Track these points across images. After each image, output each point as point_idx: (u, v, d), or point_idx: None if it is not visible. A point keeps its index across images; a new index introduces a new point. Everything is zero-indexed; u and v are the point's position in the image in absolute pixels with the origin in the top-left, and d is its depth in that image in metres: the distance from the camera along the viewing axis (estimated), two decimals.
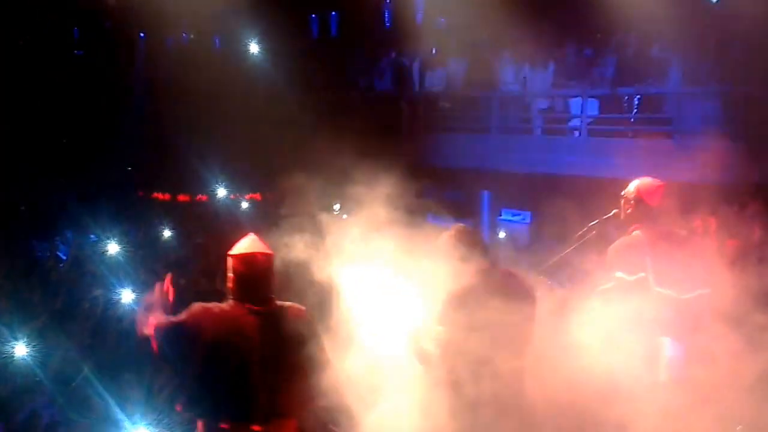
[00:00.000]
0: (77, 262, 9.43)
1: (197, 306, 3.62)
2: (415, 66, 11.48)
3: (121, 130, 15.07)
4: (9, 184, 12.10)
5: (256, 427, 3.52)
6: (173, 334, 3.58)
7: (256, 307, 3.60)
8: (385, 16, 13.72)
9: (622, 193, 4.56)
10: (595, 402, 4.07)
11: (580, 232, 4.77)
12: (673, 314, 4.20)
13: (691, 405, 3.86)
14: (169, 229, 10.35)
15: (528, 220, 9.25)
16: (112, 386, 6.17)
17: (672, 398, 3.96)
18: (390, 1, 13.45)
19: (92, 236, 10.00)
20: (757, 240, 5.10)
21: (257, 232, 3.87)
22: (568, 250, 4.86)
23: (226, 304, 3.66)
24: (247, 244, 3.71)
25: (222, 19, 13.50)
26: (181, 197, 13.13)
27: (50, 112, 14.61)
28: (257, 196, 11.58)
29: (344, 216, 4.94)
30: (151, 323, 3.67)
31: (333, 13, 14.86)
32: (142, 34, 15.53)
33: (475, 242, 3.97)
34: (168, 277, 3.88)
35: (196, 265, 9.04)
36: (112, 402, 5.70)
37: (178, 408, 3.69)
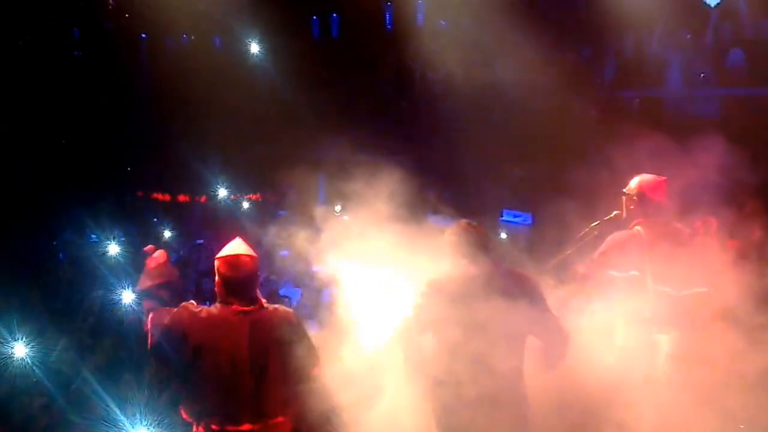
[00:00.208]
0: (77, 262, 9.42)
1: (183, 309, 3.69)
2: (417, 67, 11.49)
3: (121, 130, 15.05)
4: (8, 185, 12.09)
5: (246, 427, 3.57)
6: (160, 337, 3.64)
7: (242, 308, 3.66)
8: (386, 18, 13.71)
9: (624, 190, 4.56)
10: (595, 401, 4.07)
11: (581, 233, 4.77)
12: (671, 312, 4.20)
13: (693, 404, 3.85)
14: (169, 230, 10.35)
15: (529, 221, 9.25)
16: (112, 387, 6.16)
17: (673, 397, 3.95)
18: (391, 3, 13.44)
19: (92, 236, 10.00)
20: (757, 240, 5.09)
21: (249, 234, 3.91)
22: (570, 251, 4.86)
23: (213, 307, 3.72)
24: (232, 247, 3.79)
25: (222, 21, 13.50)
26: (182, 198, 13.12)
27: (50, 113, 14.60)
28: (258, 196, 11.58)
29: (345, 217, 4.95)
30: (151, 318, 3.71)
31: (334, 14, 14.85)
32: (144, 35, 15.53)
33: (480, 239, 3.97)
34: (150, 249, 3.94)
35: (197, 265, 9.04)
36: (111, 403, 5.69)
37: (182, 413, 3.69)
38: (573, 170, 6.38)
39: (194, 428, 3.68)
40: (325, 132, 10.39)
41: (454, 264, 4.01)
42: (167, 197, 13.27)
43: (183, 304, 3.75)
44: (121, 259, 8.35)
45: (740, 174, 5.07)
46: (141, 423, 5.24)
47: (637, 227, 4.39)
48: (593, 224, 4.73)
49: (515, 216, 9.39)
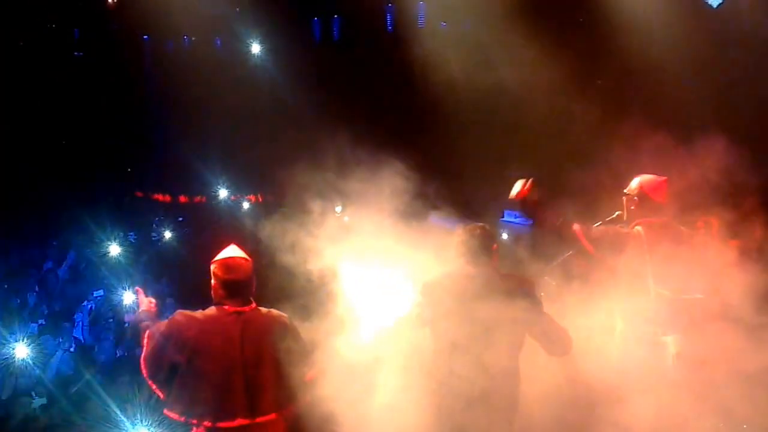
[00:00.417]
0: (77, 263, 9.42)
1: (179, 313, 3.84)
2: (417, 69, 11.47)
3: (122, 130, 15.05)
4: (9, 185, 12.09)
5: (238, 423, 3.65)
6: (158, 341, 3.76)
7: (236, 309, 3.79)
8: (387, 20, 13.72)
9: (625, 191, 4.55)
10: (594, 401, 4.07)
11: None
12: (673, 313, 4.19)
13: (696, 404, 3.85)
14: (170, 231, 10.34)
15: (530, 222, 9.23)
16: (112, 388, 6.16)
17: (676, 397, 3.94)
18: (392, 5, 13.45)
19: (92, 237, 9.99)
20: (758, 240, 5.08)
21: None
22: (570, 252, 4.85)
23: (209, 309, 3.85)
24: (227, 252, 3.96)
25: (223, 22, 13.50)
26: (182, 198, 13.12)
27: (50, 113, 14.60)
28: (258, 197, 11.57)
29: (346, 218, 4.95)
30: (145, 332, 3.85)
31: (335, 16, 14.85)
32: (145, 36, 15.52)
33: (483, 242, 3.99)
34: (139, 291, 4.19)
35: (198, 266, 9.02)
36: (112, 403, 5.69)
37: (166, 413, 3.75)
38: (574, 171, 6.38)
39: (189, 427, 3.75)
40: (325, 133, 10.38)
41: (454, 264, 4.03)
42: (167, 198, 13.27)
43: (178, 310, 3.89)
44: (122, 261, 8.36)
45: (741, 174, 5.06)
46: (141, 423, 5.24)
47: (638, 227, 4.38)
48: (595, 225, 4.72)
49: (516, 216, 9.37)
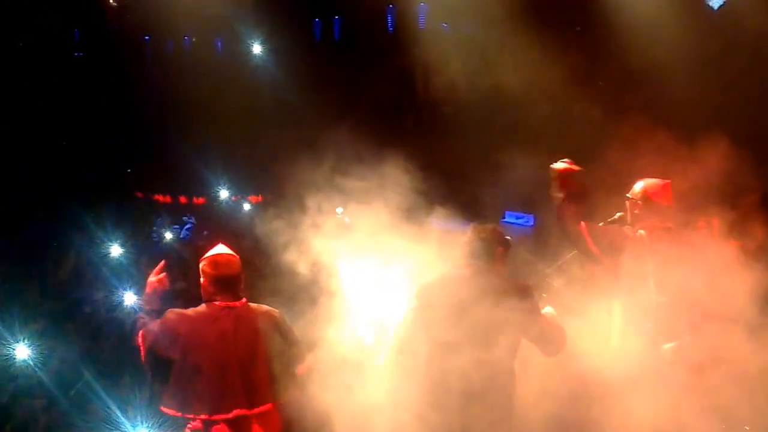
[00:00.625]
0: (78, 264, 9.41)
1: (170, 311, 3.90)
2: (419, 70, 11.48)
3: (122, 131, 15.05)
4: (8, 186, 12.08)
5: (234, 414, 3.71)
6: (153, 342, 3.81)
7: (227, 304, 3.88)
8: (388, 21, 13.71)
9: (628, 195, 4.53)
10: (600, 405, 4.06)
11: None
12: (673, 320, 4.18)
13: (697, 406, 3.85)
14: (171, 232, 10.34)
15: (531, 223, 9.24)
16: (114, 389, 6.16)
17: (677, 399, 3.94)
18: (393, 6, 13.44)
19: (93, 238, 9.99)
20: (760, 241, 5.07)
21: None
22: (572, 254, 4.84)
23: (200, 306, 3.93)
24: (215, 249, 4.07)
25: (224, 23, 13.50)
26: (183, 199, 13.12)
27: (51, 113, 14.60)
28: (259, 198, 11.57)
29: (347, 219, 4.95)
30: (141, 334, 3.89)
31: (336, 17, 14.85)
32: (146, 37, 15.52)
33: (486, 244, 3.96)
34: (161, 266, 4.11)
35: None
36: (113, 405, 5.69)
37: (163, 409, 3.78)
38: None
39: (186, 422, 3.78)
40: (326, 134, 10.38)
41: (452, 265, 4.02)
42: (168, 199, 13.27)
43: (169, 309, 3.94)
44: (123, 262, 8.35)
45: (742, 175, 5.06)
46: (142, 425, 5.24)
47: (641, 231, 4.37)
48: (599, 224, 4.71)
49: (518, 218, 9.37)
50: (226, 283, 3.91)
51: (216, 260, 3.96)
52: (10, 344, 6.23)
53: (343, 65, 13.08)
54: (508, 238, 4.14)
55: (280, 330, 3.94)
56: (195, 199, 12.77)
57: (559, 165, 4.38)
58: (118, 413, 5.53)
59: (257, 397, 3.79)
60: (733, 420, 3.96)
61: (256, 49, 12.63)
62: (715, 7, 9.22)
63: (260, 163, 12.04)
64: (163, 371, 3.84)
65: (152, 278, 4.04)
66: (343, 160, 5.36)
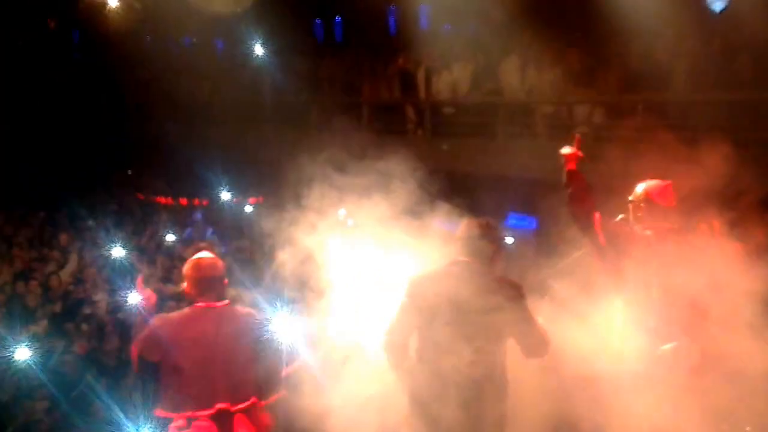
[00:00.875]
0: (79, 265, 9.42)
1: (155, 317, 4.02)
2: (420, 72, 11.47)
3: (122, 132, 15.06)
4: (9, 186, 12.10)
5: (217, 408, 3.77)
6: (142, 349, 3.93)
7: (209, 304, 3.97)
8: (389, 22, 13.73)
9: (630, 197, 4.53)
10: (599, 405, 4.06)
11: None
12: (675, 322, 4.18)
13: (697, 406, 3.84)
14: (171, 233, 10.34)
15: (534, 225, 9.25)
16: (115, 390, 6.15)
17: (677, 400, 3.93)
18: (395, 7, 13.45)
19: (93, 239, 9.99)
20: (761, 242, 5.07)
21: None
22: (575, 256, 4.84)
23: (184, 309, 4.04)
24: (197, 254, 4.19)
25: (225, 23, 13.51)
26: (183, 201, 13.14)
27: (51, 114, 14.62)
28: (260, 199, 11.58)
29: (350, 221, 4.96)
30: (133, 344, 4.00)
31: (337, 18, 14.87)
32: (147, 37, 15.54)
33: (481, 241, 3.93)
34: (139, 280, 4.32)
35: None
36: (114, 406, 5.69)
37: (156, 413, 3.83)
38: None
39: (172, 420, 3.84)
40: (328, 135, 10.39)
41: (443, 261, 4.00)
42: (169, 200, 13.29)
43: (155, 316, 4.05)
44: (124, 263, 8.36)
45: (743, 176, 5.06)
46: (144, 426, 5.23)
47: (647, 231, 4.37)
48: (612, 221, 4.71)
49: (520, 220, 9.38)
50: (209, 285, 4.00)
51: (198, 263, 4.06)
52: (11, 346, 6.22)
53: (344, 66, 13.10)
54: (502, 232, 4.11)
55: (263, 331, 4.01)
56: (196, 201, 12.78)
57: (566, 150, 4.47)
58: (120, 414, 5.52)
59: (240, 394, 3.86)
60: (734, 420, 3.95)
61: (257, 49, 12.62)
62: (717, 11, 9.23)
63: (261, 164, 12.04)
64: (153, 376, 3.95)
65: (140, 295, 4.16)
66: (345, 160, 5.37)
